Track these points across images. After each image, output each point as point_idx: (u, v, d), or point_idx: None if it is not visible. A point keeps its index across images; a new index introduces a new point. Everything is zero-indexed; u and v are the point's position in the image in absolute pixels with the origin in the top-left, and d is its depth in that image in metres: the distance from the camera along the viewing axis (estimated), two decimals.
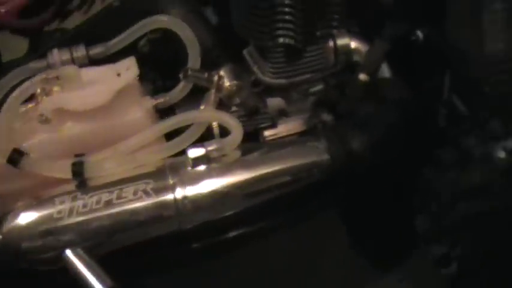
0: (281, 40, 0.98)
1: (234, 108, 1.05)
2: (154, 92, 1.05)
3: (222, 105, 1.04)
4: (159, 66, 1.09)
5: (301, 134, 1.06)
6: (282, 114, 1.07)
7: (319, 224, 1.04)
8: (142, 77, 1.06)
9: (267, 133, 1.06)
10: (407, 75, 1.13)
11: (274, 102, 1.07)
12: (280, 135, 1.06)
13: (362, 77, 1.01)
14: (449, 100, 1.10)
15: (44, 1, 1.28)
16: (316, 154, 0.98)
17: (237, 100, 1.03)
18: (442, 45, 1.12)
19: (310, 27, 0.99)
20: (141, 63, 1.06)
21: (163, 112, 1.03)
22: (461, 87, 1.09)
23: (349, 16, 1.07)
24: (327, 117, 1.07)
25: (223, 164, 0.95)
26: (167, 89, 1.04)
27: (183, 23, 1.00)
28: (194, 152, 0.94)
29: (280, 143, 1.02)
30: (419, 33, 1.13)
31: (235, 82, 1.02)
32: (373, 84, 1.02)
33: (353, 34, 1.08)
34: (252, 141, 1.05)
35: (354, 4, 1.10)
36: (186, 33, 1.00)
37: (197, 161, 0.93)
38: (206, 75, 1.00)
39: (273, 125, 1.06)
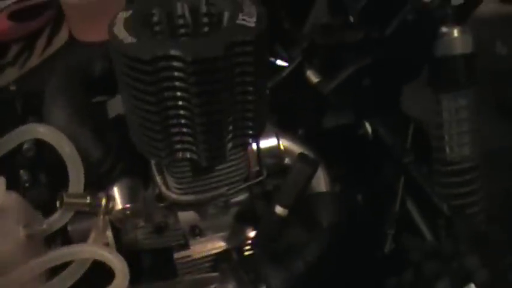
0: (179, 155, 0.77)
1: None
2: None
3: None
4: (52, 171, 0.91)
5: (215, 259, 0.88)
6: (196, 232, 0.89)
7: None
8: (30, 187, 0.89)
9: (177, 255, 0.89)
10: (354, 175, 0.94)
11: (187, 217, 0.89)
12: (194, 257, 0.88)
13: (278, 210, 0.80)
14: (401, 211, 0.90)
15: None
16: None
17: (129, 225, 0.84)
18: (394, 141, 0.93)
19: (216, 140, 0.76)
20: (29, 169, 0.90)
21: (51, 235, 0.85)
22: (418, 195, 0.90)
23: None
24: (251, 233, 0.89)
25: None
26: None
27: (62, 135, 0.81)
28: None
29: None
30: (368, 126, 0.94)
31: (128, 206, 0.83)
32: (299, 206, 0.82)
33: (283, 133, 0.89)
34: (163, 261, 0.89)
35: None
36: (65, 149, 0.81)
37: None
38: (89, 200, 0.81)
39: (185, 245, 0.89)
